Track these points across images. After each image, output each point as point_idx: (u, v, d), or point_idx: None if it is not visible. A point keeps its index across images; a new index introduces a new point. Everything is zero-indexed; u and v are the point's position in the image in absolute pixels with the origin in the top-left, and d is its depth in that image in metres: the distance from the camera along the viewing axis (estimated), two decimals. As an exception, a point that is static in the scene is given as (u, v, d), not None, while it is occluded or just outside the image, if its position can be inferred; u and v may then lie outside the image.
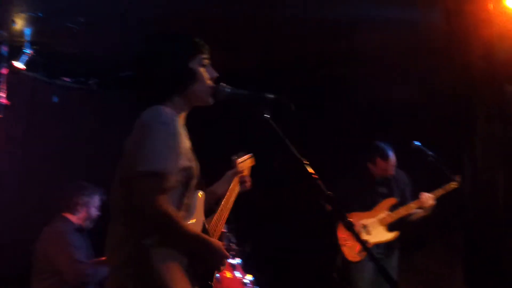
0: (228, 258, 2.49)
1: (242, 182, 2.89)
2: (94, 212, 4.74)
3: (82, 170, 5.44)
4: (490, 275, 4.85)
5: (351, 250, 5.02)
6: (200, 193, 2.56)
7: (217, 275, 2.61)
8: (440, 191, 5.01)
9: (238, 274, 4.20)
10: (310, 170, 2.35)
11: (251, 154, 2.54)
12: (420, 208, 5.02)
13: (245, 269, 4.33)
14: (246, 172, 2.95)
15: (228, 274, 4.13)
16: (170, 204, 2.24)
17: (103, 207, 4.75)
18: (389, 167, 5.14)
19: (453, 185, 4.99)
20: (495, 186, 4.87)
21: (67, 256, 4.40)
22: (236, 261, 4.26)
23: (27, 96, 5.26)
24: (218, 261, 2.43)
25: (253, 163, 3.05)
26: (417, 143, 5.10)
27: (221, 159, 3.07)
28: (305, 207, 5.53)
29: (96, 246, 4.74)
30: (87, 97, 5.84)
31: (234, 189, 2.84)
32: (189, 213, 2.45)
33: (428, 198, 4.97)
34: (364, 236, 5.02)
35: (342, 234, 5.05)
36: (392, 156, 5.13)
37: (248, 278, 4.26)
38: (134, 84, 2.56)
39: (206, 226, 2.54)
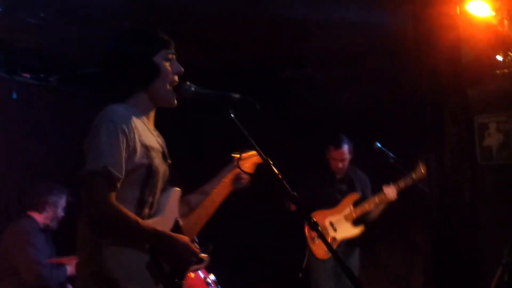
0: (196, 255, 2.45)
1: (237, 179, 2.78)
2: (60, 212, 4.68)
3: (40, 167, 5.33)
4: (454, 275, 4.95)
5: (319, 248, 5.06)
6: (175, 190, 2.54)
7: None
8: (401, 183, 5.07)
9: (201, 274, 4.18)
10: (275, 170, 2.37)
11: (255, 151, 2.50)
12: (382, 201, 5.09)
13: (208, 269, 4.31)
14: (247, 170, 2.81)
15: (191, 274, 4.10)
16: (120, 201, 2.24)
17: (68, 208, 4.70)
18: (339, 156, 5.20)
19: (409, 179, 5.06)
20: (462, 187, 4.97)
21: (26, 256, 4.34)
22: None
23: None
24: (184, 258, 2.40)
25: (258, 161, 2.87)
26: (378, 144, 5.17)
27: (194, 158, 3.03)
28: (270, 206, 5.56)
29: (60, 247, 4.70)
30: (47, 93, 5.73)
31: (223, 188, 2.75)
32: (157, 210, 2.44)
33: (390, 191, 5.04)
34: (331, 233, 5.11)
35: (310, 233, 5.10)
36: (345, 147, 5.20)
37: (211, 277, 4.24)
38: (99, 79, 2.54)
39: (180, 223, 2.51)
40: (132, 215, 2.26)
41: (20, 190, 4.89)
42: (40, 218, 4.61)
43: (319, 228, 2.30)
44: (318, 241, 5.08)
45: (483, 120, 5.56)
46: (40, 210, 4.60)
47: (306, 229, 5.16)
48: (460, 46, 4.86)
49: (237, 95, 2.45)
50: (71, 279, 4.66)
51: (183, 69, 2.49)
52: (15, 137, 5.32)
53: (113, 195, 2.22)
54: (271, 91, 5.91)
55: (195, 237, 2.65)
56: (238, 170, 2.73)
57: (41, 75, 5.68)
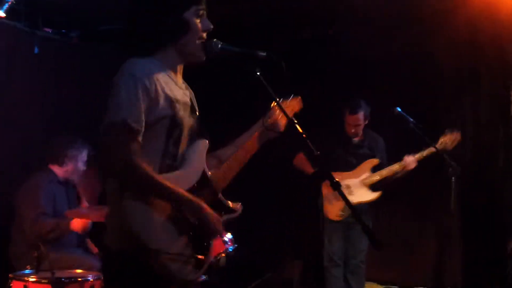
0: (214, 219, 2.43)
1: (267, 129, 2.71)
2: (81, 166, 4.73)
3: (61, 122, 5.38)
4: (485, 233, 4.96)
5: (333, 209, 5.09)
6: (202, 142, 2.55)
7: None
8: (422, 154, 5.06)
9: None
10: (299, 129, 2.38)
11: (280, 109, 2.47)
12: (401, 170, 5.08)
13: (225, 227, 4.35)
14: (282, 118, 2.71)
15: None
16: (144, 152, 2.26)
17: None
18: (353, 122, 5.20)
19: (432, 149, 5.03)
20: (496, 144, 4.95)
21: (32, 207, 4.39)
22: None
23: (7, 45, 5.14)
24: (202, 220, 2.39)
25: (299, 107, 2.85)
26: (398, 109, 5.13)
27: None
28: (290, 166, 5.56)
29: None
30: (68, 49, 5.73)
31: (251, 146, 2.71)
32: (182, 162, 2.46)
33: (411, 161, 5.03)
34: (347, 196, 5.07)
35: (326, 193, 5.10)
36: (360, 113, 5.18)
37: (228, 236, 4.29)
38: (120, 35, 2.54)
39: (208, 174, 2.53)
40: (150, 170, 2.25)
41: (41, 144, 4.93)
42: (60, 171, 4.67)
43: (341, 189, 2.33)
44: (334, 202, 5.10)
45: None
46: (60, 163, 4.67)
47: (324, 189, 5.16)
48: (496, 8, 4.80)
49: (263, 53, 2.46)
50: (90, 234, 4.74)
51: (212, 26, 2.48)
52: (37, 91, 5.35)
53: (133, 147, 2.22)
54: (293, 51, 5.86)
55: (221, 196, 2.65)
56: (272, 118, 2.72)
57: (63, 30, 5.67)
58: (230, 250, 4.23)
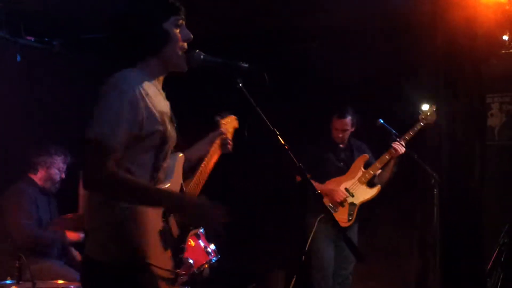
0: (214, 209, 2.35)
1: (224, 144, 2.84)
2: (55, 173, 4.69)
3: (42, 131, 5.34)
4: (463, 245, 4.99)
5: (340, 216, 5.06)
6: (180, 156, 2.57)
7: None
8: (409, 135, 5.10)
9: (201, 243, 4.21)
10: (281, 140, 2.38)
11: (234, 116, 2.52)
12: (392, 157, 5.09)
13: (208, 238, 4.34)
14: (229, 134, 2.89)
15: (191, 243, 4.13)
16: (136, 166, 2.27)
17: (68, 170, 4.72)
18: (341, 126, 5.22)
19: (418, 126, 5.11)
20: (472, 157, 5.00)
21: (14, 217, 4.39)
22: (200, 230, 4.27)
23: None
24: (198, 216, 2.35)
25: (236, 126, 2.99)
26: (381, 121, 5.17)
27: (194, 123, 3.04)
28: (274, 176, 5.55)
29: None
30: (50, 57, 5.70)
31: (215, 151, 2.80)
32: (167, 175, 2.46)
33: (399, 146, 5.04)
34: (349, 199, 5.12)
35: (327, 203, 5.08)
36: (348, 118, 5.21)
37: (212, 247, 4.27)
38: (102, 45, 2.54)
39: (184, 189, 2.55)
40: (129, 177, 2.24)
41: (22, 153, 4.90)
42: (37, 179, 4.66)
43: (323, 201, 2.32)
44: (339, 209, 5.09)
45: (487, 100, 5.58)
46: (34, 171, 4.66)
47: (325, 199, 5.10)
48: (474, 23, 4.86)
49: (245, 65, 2.46)
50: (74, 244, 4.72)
51: (192, 36, 2.47)
52: (19, 99, 5.31)
53: (108, 164, 2.18)
54: (277, 63, 5.88)
55: None
56: (224, 135, 2.83)
57: (45, 39, 5.64)
58: (213, 261, 4.22)
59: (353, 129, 5.28)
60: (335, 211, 5.07)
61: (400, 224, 6.02)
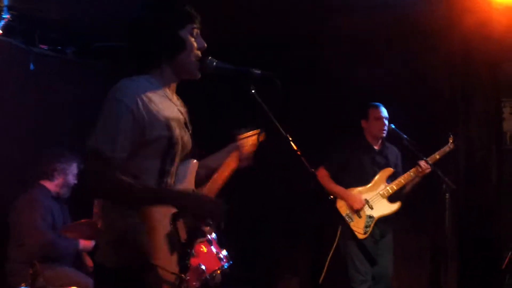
0: (216, 206, 2.42)
1: (241, 158, 2.83)
2: (71, 179, 4.73)
3: (56, 138, 5.37)
4: (480, 249, 4.96)
5: (357, 227, 4.94)
6: (193, 162, 2.58)
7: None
8: (436, 156, 5.06)
9: (213, 249, 4.22)
10: (295, 146, 2.39)
11: (259, 130, 2.53)
12: (417, 175, 5.03)
13: (220, 244, 4.36)
14: (249, 149, 2.88)
15: (204, 249, 4.15)
16: (141, 172, 2.31)
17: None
18: (382, 114, 5.14)
19: (446, 149, 5.07)
20: (489, 161, 4.98)
21: (31, 226, 4.39)
22: (212, 236, 4.29)
23: (3, 61, 5.16)
24: (202, 211, 2.38)
25: (261, 139, 2.94)
26: (392, 126, 5.16)
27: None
28: (287, 184, 5.54)
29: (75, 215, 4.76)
30: (63, 65, 5.75)
31: (230, 163, 2.79)
32: (177, 181, 2.49)
33: (425, 163, 4.98)
34: (368, 211, 5.01)
35: (344, 212, 4.99)
36: (382, 106, 5.16)
37: (223, 253, 4.28)
38: (115, 53, 2.56)
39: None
40: (127, 182, 2.25)
41: (34, 160, 4.93)
42: (51, 186, 4.67)
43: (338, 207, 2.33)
44: (356, 219, 4.99)
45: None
46: (50, 178, 4.66)
47: (342, 208, 5.00)
48: (489, 27, 4.87)
49: (258, 71, 2.47)
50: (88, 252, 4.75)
51: (206, 45, 2.51)
52: (32, 108, 5.36)
53: (107, 171, 2.22)
54: (288, 69, 5.89)
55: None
56: (241, 149, 2.82)
57: (58, 47, 5.69)
58: (225, 267, 4.24)
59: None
60: (351, 220, 4.97)
61: (411, 229, 6.00)
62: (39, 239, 4.38)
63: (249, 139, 2.90)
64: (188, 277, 2.41)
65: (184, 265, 2.39)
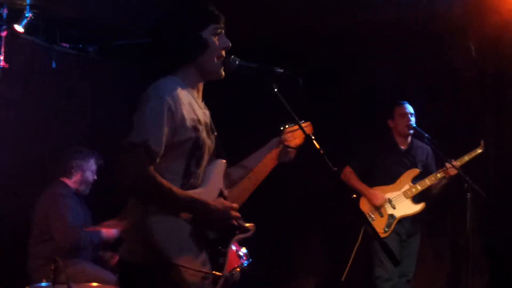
0: (234, 218, 2.47)
1: (284, 153, 2.78)
2: (90, 176, 4.77)
3: (77, 136, 5.42)
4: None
5: (377, 226, 4.85)
6: (220, 162, 2.58)
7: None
8: (465, 158, 4.97)
9: (233, 247, 4.23)
10: (317, 145, 2.38)
11: (297, 125, 2.49)
12: (444, 176, 4.95)
13: (240, 242, 4.36)
14: (296, 142, 2.80)
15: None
16: (167, 172, 2.31)
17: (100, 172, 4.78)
18: (408, 110, 5.10)
19: (478, 150, 4.98)
20: None
21: (60, 221, 4.44)
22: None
23: (25, 60, 5.21)
24: (223, 222, 2.43)
25: (309, 132, 2.72)
26: (413, 124, 5.11)
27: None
28: (306, 183, 5.52)
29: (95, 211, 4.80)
30: (85, 63, 5.79)
31: (270, 159, 2.75)
32: (202, 181, 2.49)
33: (453, 166, 4.87)
34: (389, 210, 4.97)
35: (366, 210, 4.96)
36: (406, 103, 5.12)
37: (243, 250, 4.29)
38: (136, 51, 2.57)
39: (225, 193, 2.55)
40: (167, 185, 2.27)
41: (56, 157, 4.97)
42: (70, 182, 4.72)
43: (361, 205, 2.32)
44: (376, 218, 4.95)
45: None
46: (68, 175, 4.71)
47: (364, 207, 4.97)
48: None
49: (280, 69, 2.48)
50: (107, 244, 4.78)
51: (230, 44, 2.51)
52: (54, 105, 5.41)
53: (149, 169, 2.24)
54: (310, 67, 5.87)
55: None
56: (285, 143, 2.76)
57: (80, 45, 5.74)
58: (245, 265, 4.23)
59: None
60: (372, 220, 4.93)
61: (431, 229, 5.95)
62: (69, 234, 4.42)
63: (296, 133, 2.80)
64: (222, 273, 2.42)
65: (215, 262, 2.40)
